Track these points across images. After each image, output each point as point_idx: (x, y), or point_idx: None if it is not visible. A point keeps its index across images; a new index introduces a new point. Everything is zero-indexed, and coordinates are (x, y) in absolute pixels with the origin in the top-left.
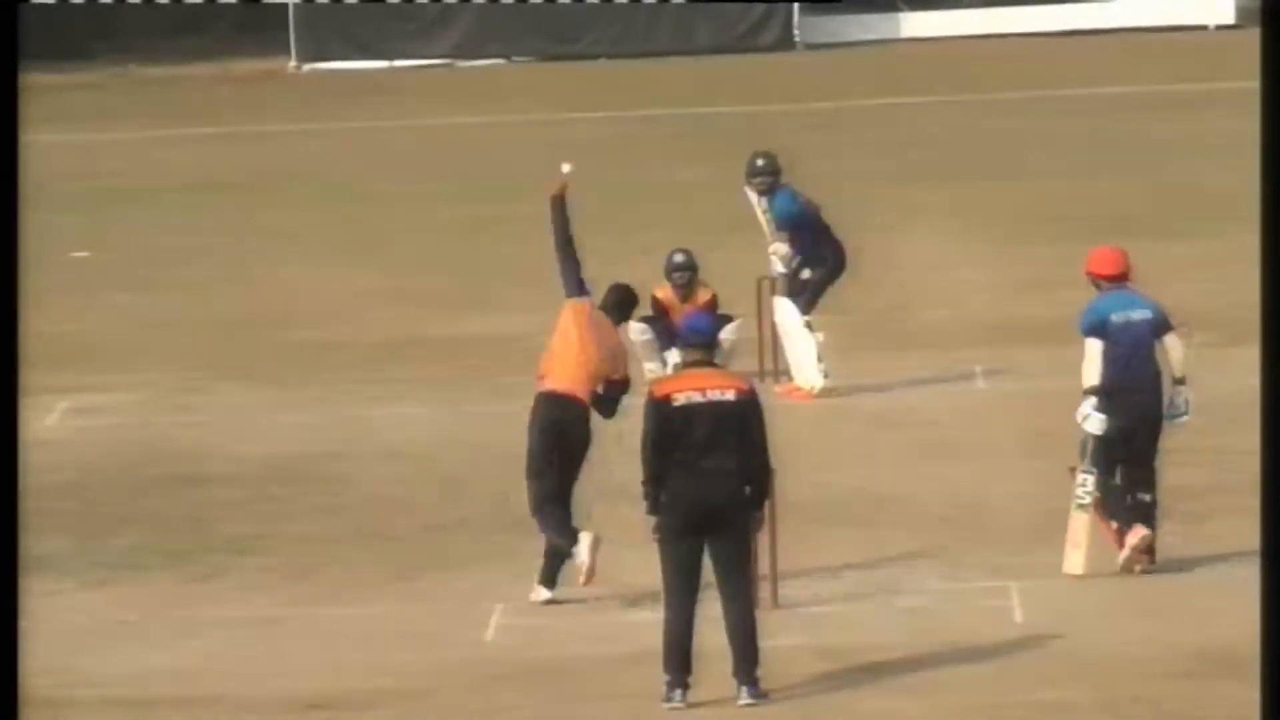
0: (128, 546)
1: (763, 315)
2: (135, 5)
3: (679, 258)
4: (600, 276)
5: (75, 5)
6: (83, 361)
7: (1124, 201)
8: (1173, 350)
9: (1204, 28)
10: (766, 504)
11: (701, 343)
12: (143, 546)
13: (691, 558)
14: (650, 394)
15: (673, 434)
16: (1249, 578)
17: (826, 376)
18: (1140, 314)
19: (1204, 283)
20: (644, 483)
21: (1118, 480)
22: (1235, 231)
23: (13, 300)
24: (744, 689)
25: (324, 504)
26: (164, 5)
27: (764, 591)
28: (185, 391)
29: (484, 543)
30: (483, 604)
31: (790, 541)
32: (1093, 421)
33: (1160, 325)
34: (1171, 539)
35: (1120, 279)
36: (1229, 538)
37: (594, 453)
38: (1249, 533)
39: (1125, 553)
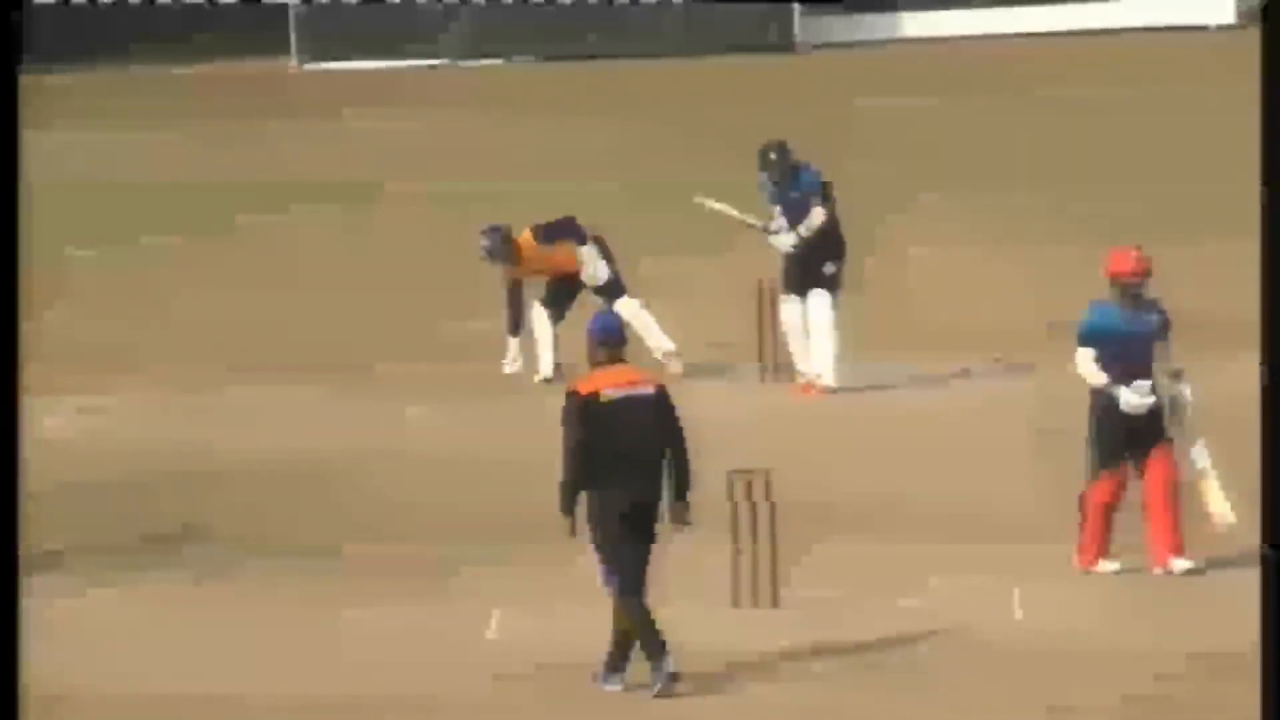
0: (130, 546)
1: (763, 316)
2: (136, 6)
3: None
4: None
5: (76, 6)
6: (85, 361)
7: (1124, 202)
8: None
9: (1204, 28)
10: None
11: (615, 341)
12: (145, 546)
13: (637, 552)
14: (573, 392)
15: (601, 432)
16: (1249, 578)
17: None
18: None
19: (1203, 285)
20: (564, 483)
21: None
22: (1235, 234)
23: (13, 300)
24: (665, 660)
25: (326, 504)
26: (164, 5)
27: (764, 591)
28: (188, 391)
29: (485, 542)
30: (484, 604)
31: (790, 542)
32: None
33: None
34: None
35: (1130, 279)
36: (1229, 538)
37: None
38: (1249, 533)
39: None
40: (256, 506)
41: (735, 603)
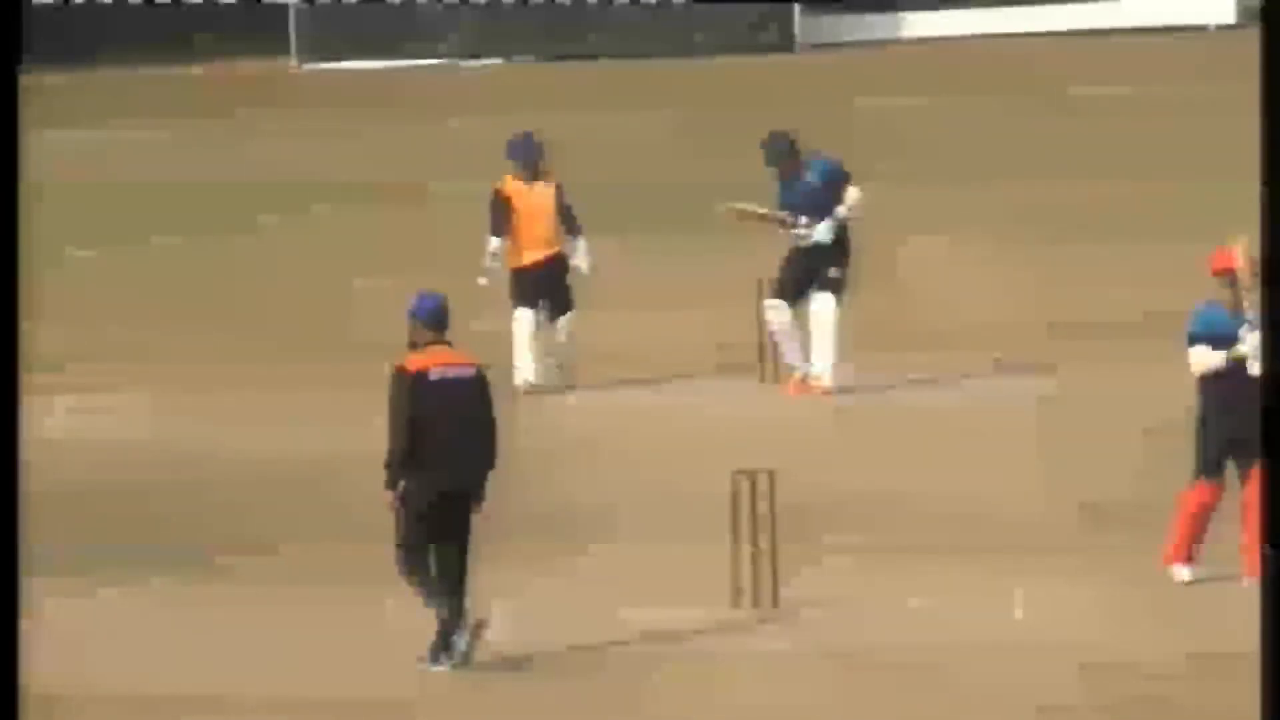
0: (129, 547)
1: (763, 317)
2: (136, 6)
3: (532, 144)
4: (600, 277)
5: (77, 6)
6: (84, 361)
7: (1124, 202)
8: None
9: (1204, 28)
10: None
11: (438, 321)
12: (144, 547)
13: (424, 537)
14: (402, 369)
15: (426, 411)
16: (1249, 578)
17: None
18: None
19: (1203, 285)
20: (389, 464)
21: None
22: (1234, 233)
23: (13, 300)
24: (466, 616)
25: (325, 505)
26: (164, 5)
27: (764, 592)
28: (187, 392)
29: (485, 542)
30: (484, 603)
31: (791, 542)
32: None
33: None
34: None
35: (1236, 275)
36: (1229, 538)
37: None
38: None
39: None
40: (257, 507)
41: (735, 603)
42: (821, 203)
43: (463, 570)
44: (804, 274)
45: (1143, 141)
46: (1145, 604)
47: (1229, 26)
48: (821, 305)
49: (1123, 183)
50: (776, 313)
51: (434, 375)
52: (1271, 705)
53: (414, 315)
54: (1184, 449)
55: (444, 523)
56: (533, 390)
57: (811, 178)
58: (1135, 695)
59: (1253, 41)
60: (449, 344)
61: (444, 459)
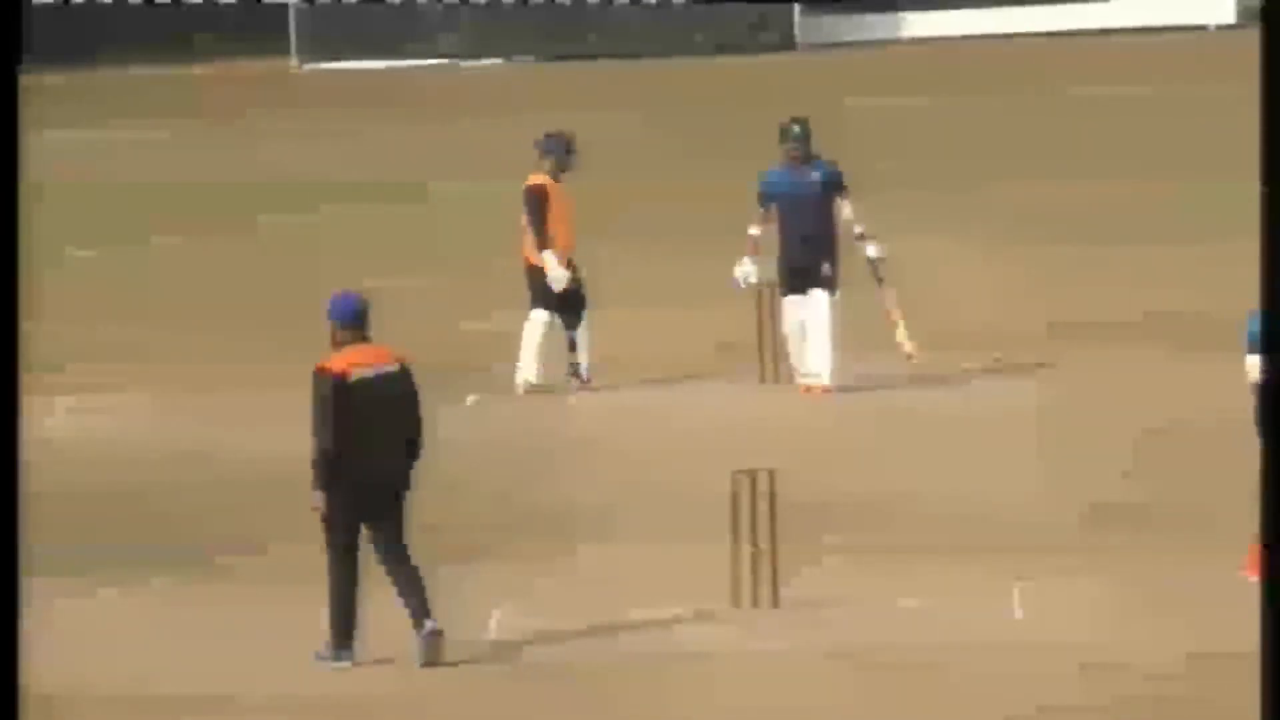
0: (129, 547)
1: (763, 317)
2: (136, 6)
3: (567, 143)
4: (600, 277)
5: (76, 6)
6: (84, 361)
7: (1124, 202)
8: None
9: (1204, 28)
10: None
11: (355, 320)
12: (144, 547)
13: (353, 535)
14: (324, 369)
15: (350, 409)
16: (1249, 578)
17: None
18: None
19: (1203, 285)
20: (315, 462)
21: None
22: (1234, 233)
23: (13, 300)
24: (428, 621)
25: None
26: (165, 5)
27: (764, 592)
28: (187, 392)
29: (484, 542)
30: (484, 603)
31: (790, 541)
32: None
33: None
34: (1171, 539)
35: None
36: (1229, 538)
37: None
38: (1249, 533)
39: None
40: (256, 507)
41: (735, 603)
42: (819, 203)
43: (409, 562)
44: (802, 270)
45: (1143, 141)
46: (1145, 604)
47: (1229, 26)
48: (816, 304)
49: (1123, 183)
50: (790, 310)
51: (355, 374)
52: (1271, 705)
53: (331, 315)
54: (1184, 449)
55: (374, 518)
56: (533, 390)
57: (816, 176)
58: (1135, 695)
59: (1253, 41)
60: (369, 340)
61: (371, 454)
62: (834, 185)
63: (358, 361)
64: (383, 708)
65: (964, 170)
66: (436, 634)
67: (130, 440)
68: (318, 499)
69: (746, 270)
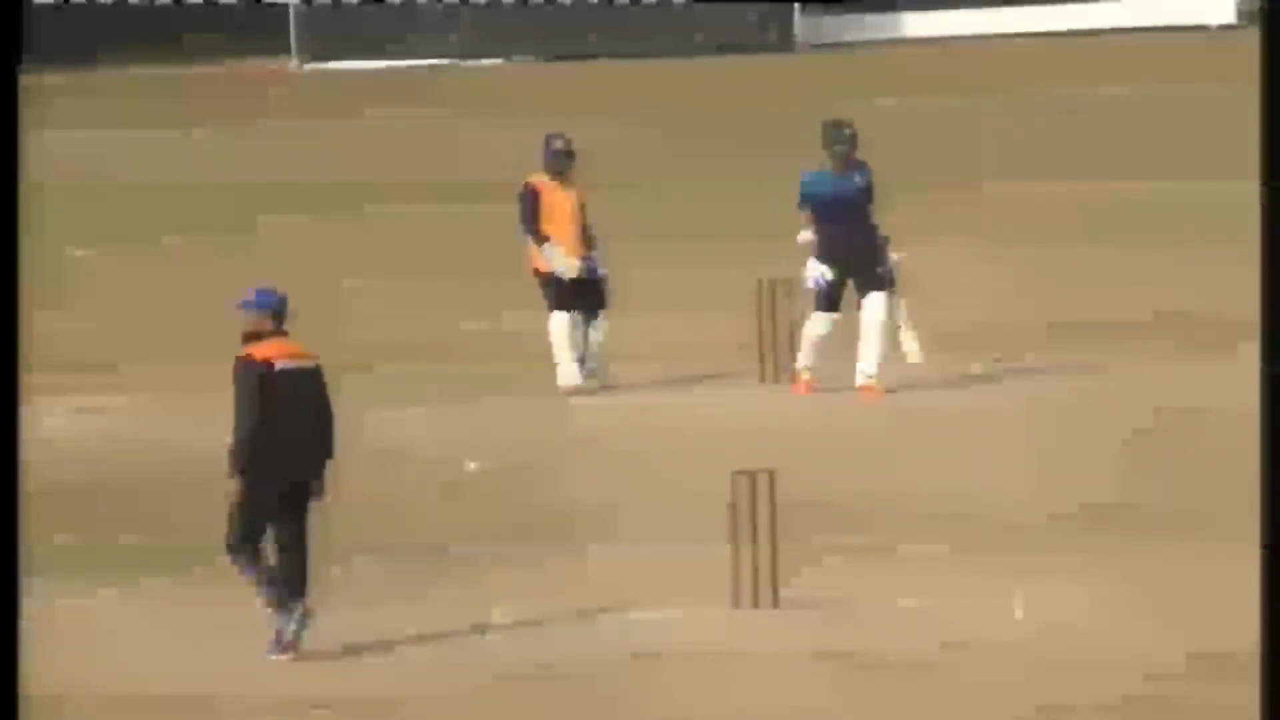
0: (129, 547)
1: (763, 317)
2: (136, 6)
3: (559, 143)
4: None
5: (76, 6)
6: (85, 361)
7: (1124, 202)
8: None
9: (1204, 28)
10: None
11: (276, 313)
12: (144, 547)
13: (259, 528)
14: (250, 358)
15: (273, 400)
16: (1249, 578)
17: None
18: None
19: (1203, 285)
20: (233, 451)
21: None
22: (1234, 233)
23: (13, 300)
24: (301, 601)
25: (324, 504)
26: (165, 5)
27: (764, 592)
28: (187, 392)
29: (484, 542)
30: (483, 604)
31: (789, 541)
32: None
33: None
34: (1172, 540)
35: None
36: (1229, 538)
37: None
38: (1249, 533)
39: None
40: None
41: (735, 603)
42: (863, 208)
43: (303, 556)
44: (839, 287)
45: (1143, 141)
46: (1145, 604)
47: (1229, 26)
48: (874, 305)
49: (1123, 183)
50: (815, 325)
51: (279, 366)
52: (1271, 705)
53: (256, 307)
54: (1184, 449)
55: (285, 511)
56: (576, 392)
57: (859, 180)
58: (1135, 695)
59: (1253, 41)
60: (287, 335)
61: (288, 448)
62: (871, 190)
63: (279, 354)
64: (383, 708)
65: (964, 170)
66: (306, 615)
67: (130, 440)
68: (232, 487)
69: (821, 268)
